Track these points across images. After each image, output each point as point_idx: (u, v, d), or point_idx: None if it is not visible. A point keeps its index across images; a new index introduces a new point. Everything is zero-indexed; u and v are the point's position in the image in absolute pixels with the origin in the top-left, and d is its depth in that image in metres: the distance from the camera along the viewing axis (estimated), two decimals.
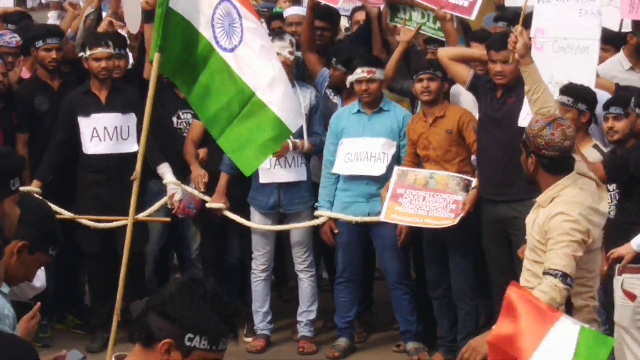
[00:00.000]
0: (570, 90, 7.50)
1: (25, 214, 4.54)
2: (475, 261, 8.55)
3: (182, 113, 9.14)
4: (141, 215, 8.37)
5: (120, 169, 8.81)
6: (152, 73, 6.05)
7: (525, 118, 7.65)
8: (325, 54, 9.89)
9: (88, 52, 9.27)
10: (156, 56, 6.14)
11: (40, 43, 9.45)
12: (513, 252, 7.82)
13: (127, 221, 6.83)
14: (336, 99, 9.18)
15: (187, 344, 3.39)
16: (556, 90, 7.51)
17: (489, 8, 9.96)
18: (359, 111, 8.75)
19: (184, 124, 9.40)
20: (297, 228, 9.12)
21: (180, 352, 3.43)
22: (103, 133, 9.21)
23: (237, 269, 9.72)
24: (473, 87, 8.37)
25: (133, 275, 8.49)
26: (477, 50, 8.61)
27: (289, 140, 8.43)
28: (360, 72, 8.61)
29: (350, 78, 8.72)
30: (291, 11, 10.51)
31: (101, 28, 10.17)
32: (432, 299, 8.71)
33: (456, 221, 8.19)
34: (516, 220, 7.90)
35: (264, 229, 9.18)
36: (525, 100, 7.68)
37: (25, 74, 9.94)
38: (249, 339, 9.39)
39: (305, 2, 11.16)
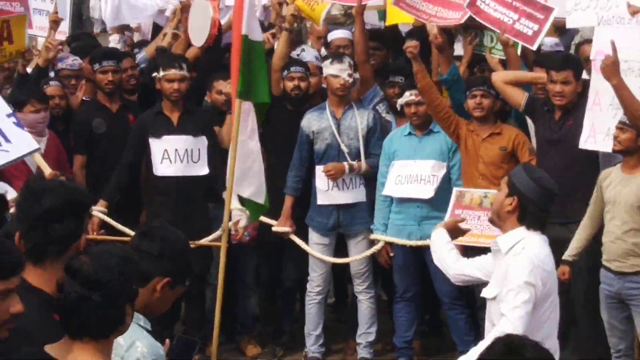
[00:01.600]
0: None
1: (165, 247, 4.77)
2: None
3: None
4: (204, 241, 8.54)
5: (189, 192, 9.03)
6: (234, 107, 6.01)
7: (586, 140, 7.86)
8: (378, 74, 9.88)
9: (161, 73, 9.35)
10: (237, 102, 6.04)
11: (97, 66, 9.55)
12: (571, 271, 7.92)
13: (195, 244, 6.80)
14: (389, 117, 9.24)
15: None
16: (619, 112, 7.57)
17: (549, 32, 9.73)
18: (410, 133, 8.84)
19: None
20: (356, 258, 9.12)
21: None
22: (174, 155, 9.22)
23: (292, 291, 9.80)
24: (529, 110, 8.44)
25: (193, 299, 8.91)
26: (533, 73, 8.70)
27: (345, 163, 8.89)
28: (408, 95, 8.68)
29: (400, 101, 8.77)
30: (337, 34, 10.53)
31: (166, 43, 10.45)
32: (481, 319, 8.50)
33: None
34: (566, 246, 8.05)
35: (324, 259, 9.15)
36: (585, 122, 8.00)
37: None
38: None
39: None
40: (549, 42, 9.25)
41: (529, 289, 5.60)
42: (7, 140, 6.34)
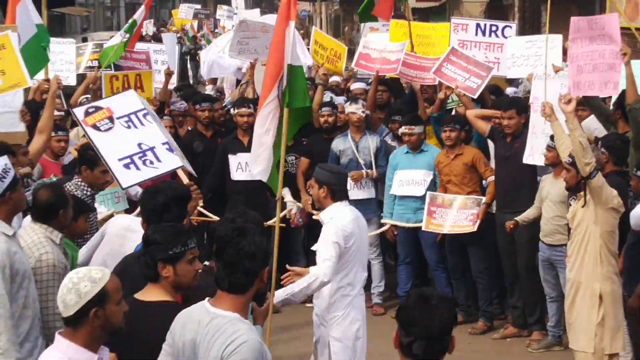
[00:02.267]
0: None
1: None
2: (488, 251, 8.49)
3: (288, 156, 8.63)
4: (270, 222, 8.47)
5: (254, 190, 8.62)
6: (284, 124, 5.74)
7: (527, 157, 7.95)
8: (385, 108, 9.93)
9: (236, 111, 9.42)
10: (285, 111, 5.84)
11: (197, 106, 9.64)
12: (515, 245, 8.09)
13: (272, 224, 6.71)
14: (394, 143, 9.17)
15: None
16: (548, 139, 7.56)
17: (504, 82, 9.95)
18: (407, 152, 8.77)
19: (289, 165, 9.09)
20: (370, 234, 8.74)
21: None
22: (245, 166, 8.96)
23: None
24: (490, 136, 8.41)
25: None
26: (491, 110, 8.64)
27: (363, 171, 8.95)
28: (404, 129, 8.66)
29: (399, 132, 8.83)
30: (356, 85, 10.38)
31: (240, 94, 10.66)
32: (453, 279, 8.81)
33: (475, 228, 8.23)
34: (518, 225, 8.04)
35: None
36: (527, 144, 8.08)
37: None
38: None
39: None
40: (510, 91, 9.27)
41: (334, 246, 5.77)
42: (158, 160, 6.30)
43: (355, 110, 9.01)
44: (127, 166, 6.08)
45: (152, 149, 6.25)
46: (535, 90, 8.22)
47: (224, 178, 9.05)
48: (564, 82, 7.88)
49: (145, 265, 4.09)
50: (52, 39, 10.29)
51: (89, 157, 6.69)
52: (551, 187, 7.65)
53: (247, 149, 8.66)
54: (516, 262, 8.27)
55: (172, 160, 6.38)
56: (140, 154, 6.16)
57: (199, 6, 27.19)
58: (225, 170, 9.03)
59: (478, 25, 9.87)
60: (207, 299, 3.72)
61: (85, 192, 6.61)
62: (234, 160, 8.94)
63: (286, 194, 8.53)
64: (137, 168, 6.09)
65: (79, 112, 6.59)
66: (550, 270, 7.79)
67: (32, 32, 8.14)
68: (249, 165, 8.48)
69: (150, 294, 4.04)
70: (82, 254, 5.73)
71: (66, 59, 11.47)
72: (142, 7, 12.08)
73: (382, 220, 8.98)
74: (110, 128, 6.12)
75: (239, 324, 3.49)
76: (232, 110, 9.53)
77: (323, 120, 9.39)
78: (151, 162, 6.17)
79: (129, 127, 6.18)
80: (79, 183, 6.65)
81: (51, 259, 5.08)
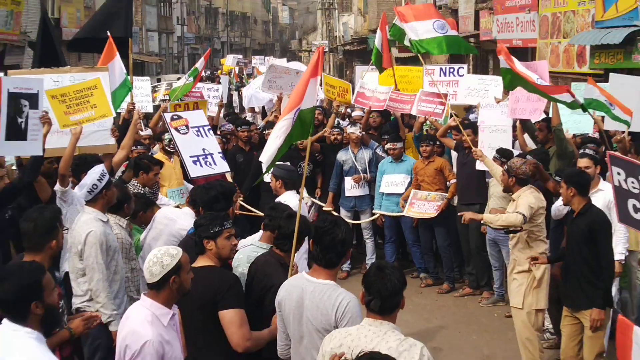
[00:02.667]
0: (500, 152, 7.32)
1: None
2: (450, 232, 8.50)
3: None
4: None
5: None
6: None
7: (479, 164, 7.74)
8: (378, 129, 9.86)
9: (267, 131, 9.17)
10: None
11: (239, 129, 9.56)
12: (468, 227, 7.94)
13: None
14: (383, 154, 9.06)
15: None
16: (493, 152, 7.49)
17: (461, 109, 9.81)
18: (392, 161, 8.72)
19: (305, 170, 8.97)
20: (365, 221, 9.07)
21: None
22: None
23: None
24: (455, 148, 8.35)
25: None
26: (445, 127, 8.44)
27: (360, 175, 8.90)
28: (389, 145, 8.65)
29: (386, 147, 8.75)
30: (355, 113, 10.19)
31: (271, 118, 10.53)
32: (425, 253, 8.82)
33: (435, 214, 8.24)
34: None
35: (349, 222, 8.59)
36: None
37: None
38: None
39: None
40: (472, 117, 9.03)
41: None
42: (214, 163, 6.42)
43: (354, 131, 9.05)
44: (194, 162, 6.07)
45: (211, 154, 6.27)
46: (482, 115, 8.17)
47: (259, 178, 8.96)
48: (503, 109, 7.89)
49: (195, 243, 4.05)
50: (134, 77, 10.14)
51: (144, 164, 6.62)
52: (495, 186, 7.54)
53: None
54: (470, 240, 8.25)
55: (223, 166, 6.43)
56: (204, 156, 6.14)
57: (240, 56, 27.74)
58: (259, 175, 8.84)
59: (441, 69, 9.88)
60: (304, 271, 3.83)
61: (140, 190, 6.43)
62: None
63: (305, 193, 8.48)
64: (201, 165, 6.07)
65: (167, 117, 6.64)
66: (494, 247, 7.81)
67: (121, 79, 8.03)
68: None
69: (199, 262, 3.98)
70: (143, 236, 5.67)
71: (144, 92, 11.41)
72: (202, 58, 12.27)
73: (374, 211, 8.94)
74: (186, 133, 6.07)
75: (338, 289, 3.54)
76: (264, 131, 9.51)
77: (333, 137, 9.36)
78: (209, 164, 6.16)
79: (198, 135, 6.13)
80: (136, 184, 6.52)
81: (119, 238, 5.03)
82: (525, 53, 13.08)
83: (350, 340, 3.13)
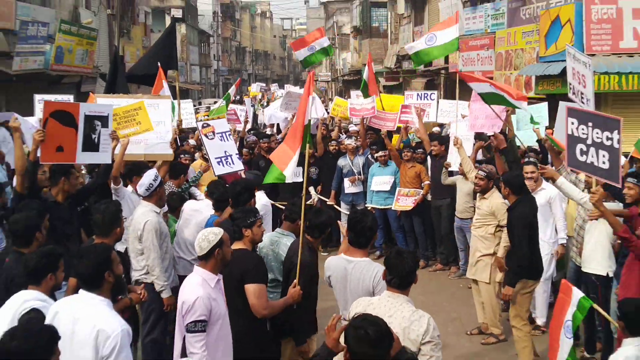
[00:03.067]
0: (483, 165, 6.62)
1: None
2: (426, 221, 8.35)
3: (311, 167, 8.54)
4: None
5: (293, 186, 7.84)
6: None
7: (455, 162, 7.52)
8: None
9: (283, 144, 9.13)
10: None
11: (261, 141, 9.40)
12: (440, 217, 7.92)
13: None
14: (372, 160, 8.91)
15: None
16: (458, 159, 7.30)
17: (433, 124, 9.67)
18: (380, 166, 8.58)
19: (312, 173, 8.97)
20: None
21: None
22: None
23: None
24: (430, 156, 8.22)
25: None
26: (427, 139, 8.38)
27: (356, 177, 8.77)
28: (379, 153, 8.53)
29: (375, 155, 8.63)
30: (352, 127, 10.06)
31: (283, 133, 10.30)
32: (407, 237, 8.64)
33: (412, 207, 8.16)
34: (441, 208, 7.97)
35: (347, 213, 8.74)
36: (448, 159, 7.72)
37: None
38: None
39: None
40: (444, 131, 8.90)
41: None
42: (233, 163, 6.20)
43: (351, 142, 9.01)
44: (218, 163, 5.91)
45: (230, 155, 6.10)
46: (452, 129, 8.12)
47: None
48: (467, 123, 7.76)
49: (234, 231, 3.97)
50: (181, 100, 10.02)
51: (179, 169, 6.53)
52: (462, 184, 7.39)
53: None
54: (441, 227, 8.14)
55: (239, 165, 6.24)
56: (225, 157, 5.97)
57: (263, 84, 27.97)
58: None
59: (418, 94, 9.82)
60: (342, 253, 3.80)
61: (174, 189, 6.27)
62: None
63: (311, 190, 8.23)
64: (223, 165, 5.90)
65: (199, 125, 6.49)
66: (460, 233, 7.64)
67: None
68: (294, 176, 8.32)
69: (236, 245, 3.92)
70: (177, 224, 5.60)
71: (189, 111, 11.13)
72: (233, 86, 12.49)
73: (366, 204, 8.81)
74: (212, 138, 5.90)
75: (373, 264, 3.59)
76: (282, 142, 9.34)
77: (332, 147, 9.30)
78: (229, 163, 5.98)
79: (222, 139, 5.96)
80: (171, 184, 6.36)
81: (156, 224, 4.82)
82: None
83: (372, 307, 3.07)
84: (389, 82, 23.85)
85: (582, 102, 5.07)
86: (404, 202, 8.33)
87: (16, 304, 3.13)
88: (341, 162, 9.04)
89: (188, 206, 5.63)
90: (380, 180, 8.66)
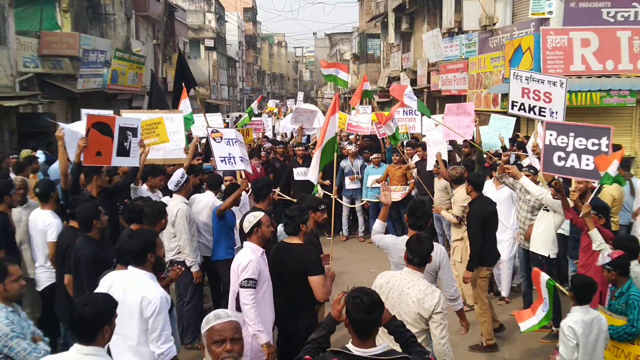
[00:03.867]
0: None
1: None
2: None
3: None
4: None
5: (304, 184, 8.08)
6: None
7: (432, 169, 7.42)
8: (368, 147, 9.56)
9: (295, 148, 8.85)
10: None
11: (276, 146, 9.38)
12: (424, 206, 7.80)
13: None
14: (366, 164, 8.84)
15: None
16: (434, 161, 7.21)
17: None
18: (373, 167, 8.54)
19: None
20: (357, 205, 8.88)
21: None
22: (299, 173, 8.49)
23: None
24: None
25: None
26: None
27: (355, 175, 8.67)
28: (374, 156, 8.56)
29: (370, 158, 8.62)
30: (351, 136, 9.93)
31: (297, 140, 10.12)
32: (395, 224, 8.41)
33: (399, 199, 8.02)
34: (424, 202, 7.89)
35: (347, 205, 8.85)
36: (427, 160, 7.63)
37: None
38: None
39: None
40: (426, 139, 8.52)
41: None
42: (235, 163, 5.79)
43: (351, 148, 8.96)
44: (222, 161, 5.64)
45: (234, 157, 5.78)
46: (428, 135, 8.08)
47: (290, 178, 8.68)
48: (440, 130, 7.76)
49: (291, 227, 3.67)
50: (210, 114, 10.22)
51: (196, 169, 6.27)
52: (437, 183, 7.33)
53: (301, 165, 8.61)
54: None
55: (241, 165, 5.90)
56: (228, 158, 5.69)
57: (278, 101, 27.96)
58: (290, 175, 8.71)
59: (404, 110, 9.60)
60: (404, 235, 3.63)
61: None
62: (295, 170, 8.67)
63: (318, 187, 8.04)
64: (225, 163, 5.66)
65: (209, 130, 6.20)
66: (438, 221, 7.53)
67: (187, 112, 7.83)
68: (302, 174, 8.29)
69: (292, 240, 3.69)
70: None
71: (218, 123, 10.47)
72: (256, 101, 12.36)
73: (363, 198, 8.76)
74: (220, 142, 5.66)
75: (430, 241, 3.33)
76: (294, 147, 9.20)
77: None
78: (232, 163, 5.68)
79: (228, 144, 5.69)
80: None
81: (186, 212, 4.86)
82: (459, 98, 12.97)
83: (395, 280, 3.09)
84: (381, 98, 23.90)
85: (542, 115, 5.06)
86: (393, 195, 8.13)
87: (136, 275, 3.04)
88: (343, 163, 8.93)
89: (196, 198, 5.43)
90: (374, 179, 8.59)
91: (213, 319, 2.05)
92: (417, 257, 3.09)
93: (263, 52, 64.44)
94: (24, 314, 2.91)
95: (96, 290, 2.93)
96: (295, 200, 5.08)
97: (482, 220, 4.90)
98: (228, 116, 22.49)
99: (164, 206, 4.13)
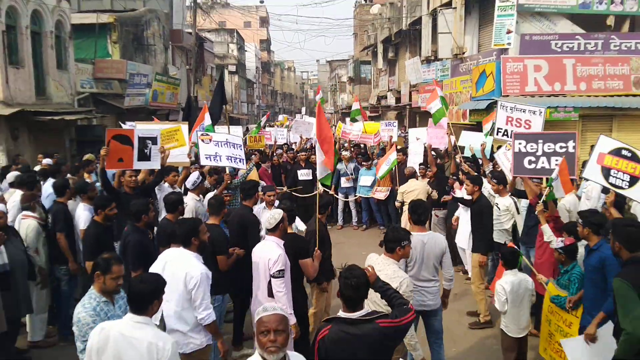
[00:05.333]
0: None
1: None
2: (393, 207, 7.80)
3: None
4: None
5: (308, 183, 7.81)
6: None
7: (408, 166, 7.28)
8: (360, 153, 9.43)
9: (299, 154, 8.59)
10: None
11: (285, 153, 9.01)
12: (402, 204, 6.98)
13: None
14: (359, 167, 8.73)
15: None
16: (417, 165, 6.97)
17: None
18: (365, 169, 8.45)
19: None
20: (351, 199, 8.72)
21: None
22: (303, 174, 8.13)
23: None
24: (398, 163, 7.41)
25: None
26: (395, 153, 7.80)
27: (350, 176, 8.49)
28: (367, 163, 8.47)
29: (362, 162, 8.51)
30: (346, 143, 9.74)
31: (301, 146, 9.87)
32: (384, 217, 8.29)
33: (384, 197, 7.89)
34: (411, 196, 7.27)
35: (343, 199, 8.75)
36: (408, 164, 7.51)
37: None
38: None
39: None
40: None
41: None
42: (220, 161, 5.40)
43: (346, 154, 8.77)
44: (207, 158, 5.29)
45: (220, 156, 5.36)
46: (412, 148, 7.93)
47: (296, 178, 8.29)
48: (421, 141, 7.70)
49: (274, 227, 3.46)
50: (233, 126, 9.48)
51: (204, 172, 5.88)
52: (415, 185, 6.99)
53: (304, 167, 8.22)
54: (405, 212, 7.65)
55: (224, 163, 5.46)
56: (214, 156, 5.33)
57: (288, 115, 27.91)
58: (296, 175, 8.32)
59: (386, 123, 9.50)
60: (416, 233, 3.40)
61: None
62: (299, 172, 8.30)
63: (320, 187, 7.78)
64: (210, 160, 5.32)
65: (199, 133, 5.64)
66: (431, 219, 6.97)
67: (207, 123, 7.20)
68: (305, 175, 8.08)
69: (290, 230, 3.72)
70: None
71: (238, 134, 10.81)
72: (264, 117, 12.41)
73: (356, 194, 8.58)
74: (208, 143, 5.27)
75: (438, 234, 3.38)
76: (297, 153, 8.91)
77: None
78: (217, 160, 5.32)
79: (216, 145, 5.27)
80: (206, 183, 5.65)
81: (193, 207, 4.71)
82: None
83: (372, 262, 3.05)
84: (372, 113, 24.08)
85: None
86: (379, 195, 8.09)
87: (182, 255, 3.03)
88: (339, 166, 8.75)
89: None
90: (365, 179, 8.51)
91: (262, 311, 1.98)
92: (389, 242, 3.06)
93: (276, 76, 64.96)
94: (123, 301, 2.64)
95: (154, 263, 3.01)
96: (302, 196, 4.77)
97: (489, 214, 4.77)
98: (247, 129, 22.30)
99: (223, 199, 4.06)
